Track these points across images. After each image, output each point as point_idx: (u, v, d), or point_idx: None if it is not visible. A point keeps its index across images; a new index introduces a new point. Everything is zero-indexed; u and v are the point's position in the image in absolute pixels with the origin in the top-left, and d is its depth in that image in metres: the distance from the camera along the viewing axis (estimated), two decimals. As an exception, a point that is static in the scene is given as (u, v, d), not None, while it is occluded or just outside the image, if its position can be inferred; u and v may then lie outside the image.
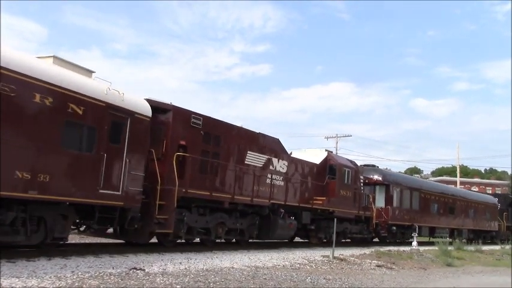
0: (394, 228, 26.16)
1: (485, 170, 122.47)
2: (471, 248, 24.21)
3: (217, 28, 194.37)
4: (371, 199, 23.78)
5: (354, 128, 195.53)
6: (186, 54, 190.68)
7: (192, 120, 13.88)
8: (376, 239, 26.80)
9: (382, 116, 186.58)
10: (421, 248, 21.53)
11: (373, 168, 27.74)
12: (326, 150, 21.65)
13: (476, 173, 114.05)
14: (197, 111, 14.23)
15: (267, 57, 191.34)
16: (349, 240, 23.23)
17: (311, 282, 9.86)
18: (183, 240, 14.38)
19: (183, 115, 13.70)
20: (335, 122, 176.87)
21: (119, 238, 13.03)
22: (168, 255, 11.98)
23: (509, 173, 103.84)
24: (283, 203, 17.30)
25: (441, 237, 31.45)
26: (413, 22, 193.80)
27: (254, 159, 16.22)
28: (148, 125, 12.19)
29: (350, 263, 14.33)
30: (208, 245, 14.88)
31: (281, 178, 17.43)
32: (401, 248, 20.99)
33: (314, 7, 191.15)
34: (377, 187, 26.15)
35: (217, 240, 15.44)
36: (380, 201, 25.64)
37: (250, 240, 17.09)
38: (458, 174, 61.29)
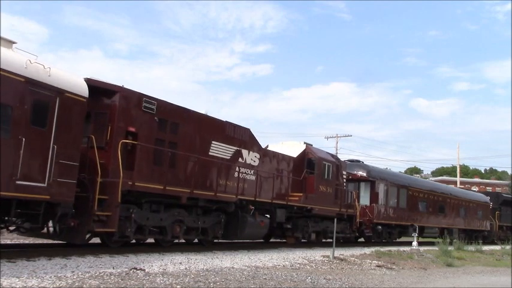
0: (380, 227, 24.80)
1: (486, 170, 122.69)
2: (471, 248, 24.19)
3: (218, 28, 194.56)
4: (355, 196, 22.46)
5: (354, 128, 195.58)
6: (186, 54, 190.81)
7: (144, 104, 12.28)
8: (361, 239, 25.54)
9: (382, 116, 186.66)
10: (421, 248, 21.52)
11: (357, 163, 26.09)
12: (305, 143, 19.87)
13: (476, 172, 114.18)
14: (150, 95, 12.62)
15: (267, 57, 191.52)
16: (330, 240, 21.60)
17: (311, 282, 9.86)
18: (134, 241, 13.11)
19: (133, 98, 12.08)
20: (336, 122, 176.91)
21: (54, 238, 11.08)
22: (169, 255, 11.97)
23: (510, 173, 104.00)
24: (253, 199, 15.67)
25: (430, 237, 31.03)
26: (414, 22, 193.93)
27: (220, 150, 14.70)
28: (84, 107, 10.46)
29: (350, 263, 14.33)
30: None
31: (252, 172, 15.87)
32: (402, 248, 20.97)
33: (315, 7, 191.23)
34: (362, 184, 24.82)
35: (175, 241, 14.07)
36: (365, 199, 24.39)
37: (218, 241, 15.79)
38: (458, 174, 61.33)
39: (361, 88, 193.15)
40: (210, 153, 14.30)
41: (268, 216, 16.85)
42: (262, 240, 19.06)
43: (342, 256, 15.31)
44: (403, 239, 28.21)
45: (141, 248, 12.85)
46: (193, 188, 13.40)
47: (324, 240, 20.62)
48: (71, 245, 11.47)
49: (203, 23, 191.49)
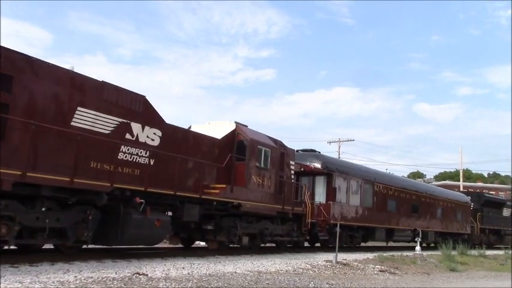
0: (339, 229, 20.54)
1: (489, 174, 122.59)
2: (474, 252, 24.10)
3: (221, 33, 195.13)
4: (305, 191, 18.99)
5: (357, 133, 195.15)
6: (190, 59, 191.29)
7: None
8: (317, 244, 21.66)
9: (385, 121, 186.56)
10: (425, 253, 21.45)
11: (311, 153, 22.34)
12: (235, 122, 15.72)
13: (479, 177, 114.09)
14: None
15: (271, 62, 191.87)
16: (274, 244, 18.42)
17: (314, 287, 9.84)
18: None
19: None
20: (339, 126, 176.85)
21: None
22: (171, 260, 11.98)
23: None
24: (142, 189, 11.51)
25: (402, 240, 28.00)
26: (417, 27, 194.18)
27: (91, 120, 10.86)
28: None
29: (353, 267, 14.29)
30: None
31: (148, 154, 12.03)
32: (405, 253, 20.91)
33: (318, 12, 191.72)
34: (317, 178, 21.35)
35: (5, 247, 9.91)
36: (322, 196, 21.04)
37: (86, 246, 11.75)
38: (461, 179, 61.28)
39: (364, 93, 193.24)
40: (73, 124, 10.49)
41: (170, 213, 13.23)
42: (166, 246, 15.94)
43: (344, 261, 15.27)
44: (372, 243, 26.23)
45: (144, 252, 12.84)
46: (31, 170, 9.32)
47: (262, 245, 17.23)
48: (77, 249, 11.49)
49: (207, 28, 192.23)
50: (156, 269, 10.14)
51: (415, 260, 17.99)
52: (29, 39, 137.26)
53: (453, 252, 20.48)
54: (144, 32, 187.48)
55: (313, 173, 21.22)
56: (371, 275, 13.30)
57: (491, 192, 59.52)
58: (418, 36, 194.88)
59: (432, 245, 31.88)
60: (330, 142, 53.01)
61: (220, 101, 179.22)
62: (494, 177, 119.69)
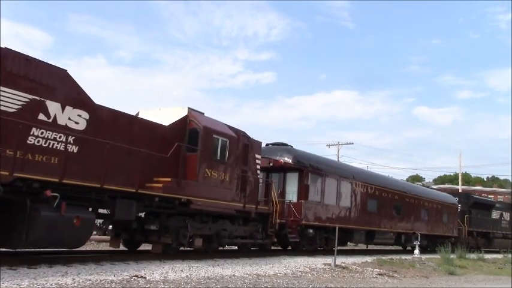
0: (311, 231, 19.28)
1: (488, 178, 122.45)
2: (473, 256, 24.10)
3: (221, 36, 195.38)
4: (272, 189, 17.22)
5: (357, 136, 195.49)
6: (190, 62, 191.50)
7: None
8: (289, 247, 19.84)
9: (385, 124, 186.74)
10: (423, 256, 21.44)
11: (281, 147, 20.46)
12: (189, 108, 13.77)
13: (478, 180, 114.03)
14: None
15: (270, 65, 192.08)
16: (236, 247, 16.63)
17: (313, 290, 9.84)
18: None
19: None
20: (338, 129, 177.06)
21: None
22: (170, 262, 11.95)
23: (511, 181, 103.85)
24: (56, 180, 9.56)
25: (383, 244, 26.59)
26: (417, 31, 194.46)
27: None
28: None
29: (352, 271, 14.28)
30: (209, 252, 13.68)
31: (70, 139, 10.17)
32: (403, 257, 20.90)
33: (318, 16, 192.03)
34: (289, 174, 19.57)
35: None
36: (293, 194, 19.32)
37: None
38: (460, 182, 61.24)
39: (363, 96, 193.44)
40: None
41: (106, 211, 11.56)
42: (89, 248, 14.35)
43: (343, 264, 15.27)
44: (350, 246, 25.28)
45: (142, 255, 12.82)
46: None
47: (221, 248, 15.66)
48: (74, 251, 11.47)
49: (207, 31, 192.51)
50: (154, 271, 10.13)
51: (413, 264, 17.98)
52: (29, 41, 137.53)
53: (452, 256, 20.48)
54: (145, 35, 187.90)
55: (285, 169, 19.44)
56: (370, 278, 13.29)
57: (489, 196, 59.13)
58: (418, 40, 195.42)
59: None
60: (329, 145, 53.02)
61: (221, 104, 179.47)
62: (493, 180, 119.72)
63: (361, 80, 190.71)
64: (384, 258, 18.77)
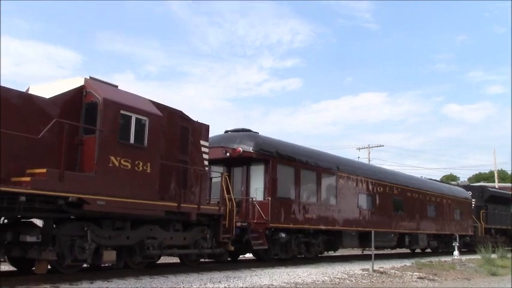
0: (284, 235, 15.87)
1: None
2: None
3: (246, 45, 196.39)
4: (223, 184, 13.63)
5: (387, 138, 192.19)
6: (216, 72, 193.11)
7: None
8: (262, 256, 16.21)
9: (415, 124, 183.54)
10: (463, 258, 20.95)
11: (240, 133, 16.53)
12: (89, 77, 10.39)
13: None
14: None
15: (296, 71, 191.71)
16: (177, 257, 13.89)
17: (352, 297, 9.74)
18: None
19: None
20: (368, 132, 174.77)
21: None
22: (207, 274, 11.97)
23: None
24: None
25: (383, 246, 23.04)
26: (442, 28, 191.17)
27: None
28: None
29: (391, 275, 14.07)
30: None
31: None
32: (443, 259, 20.47)
33: (340, 19, 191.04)
34: (252, 167, 16.02)
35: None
36: (259, 190, 15.77)
37: None
38: (496, 180, 59.81)
39: (392, 97, 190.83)
40: None
41: None
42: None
43: (382, 269, 15.06)
44: (343, 251, 22.18)
45: (179, 268, 12.92)
46: None
47: (155, 263, 12.54)
48: (111, 267, 11.64)
49: (231, 41, 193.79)
50: (192, 284, 10.16)
51: (453, 266, 17.60)
52: (60, 62, 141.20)
53: (493, 256, 19.97)
54: (170, 48, 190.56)
55: (248, 161, 15.89)
56: (410, 282, 13.07)
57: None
58: (443, 37, 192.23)
59: (429, 250, 27.76)
60: (359, 149, 52.58)
61: (248, 112, 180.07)
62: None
63: (389, 81, 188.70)
64: (422, 261, 18.44)
